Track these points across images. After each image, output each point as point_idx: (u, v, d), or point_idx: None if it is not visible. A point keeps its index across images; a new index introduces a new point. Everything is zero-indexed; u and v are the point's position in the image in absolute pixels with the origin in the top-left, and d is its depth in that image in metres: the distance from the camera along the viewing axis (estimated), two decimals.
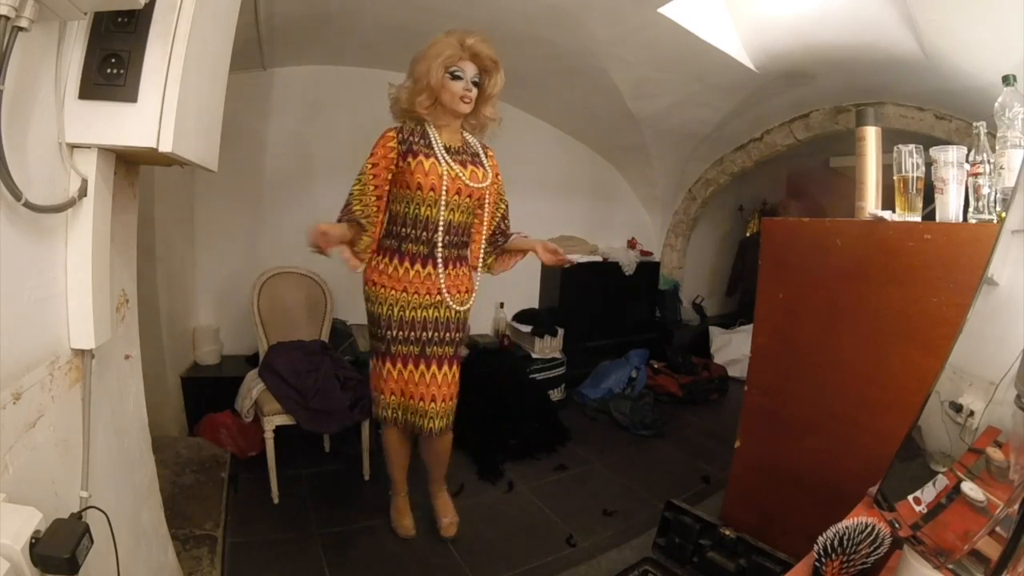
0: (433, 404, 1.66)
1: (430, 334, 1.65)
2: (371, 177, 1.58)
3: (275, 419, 1.95)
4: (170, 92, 0.80)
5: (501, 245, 1.76)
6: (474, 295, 1.73)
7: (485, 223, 1.73)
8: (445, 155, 1.59)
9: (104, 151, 0.83)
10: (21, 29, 0.61)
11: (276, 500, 1.97)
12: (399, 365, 1.65)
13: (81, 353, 0.84)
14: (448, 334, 1.67)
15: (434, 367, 1.66)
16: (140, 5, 0.73)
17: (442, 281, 1.61)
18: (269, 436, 1.95)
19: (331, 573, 1.64)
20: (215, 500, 1.80)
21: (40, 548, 0.61)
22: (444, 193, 1.57)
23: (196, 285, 2.70)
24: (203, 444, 2.18)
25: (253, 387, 2.03)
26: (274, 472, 1.98)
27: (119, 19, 0.77)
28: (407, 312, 1.62)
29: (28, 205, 0.66)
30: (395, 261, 1.62)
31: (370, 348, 1.74)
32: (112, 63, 0.77)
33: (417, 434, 1.73)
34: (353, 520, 1.91)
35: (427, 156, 1.57)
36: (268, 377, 2.01)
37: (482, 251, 1.74)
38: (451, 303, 1.64)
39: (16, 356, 0.68)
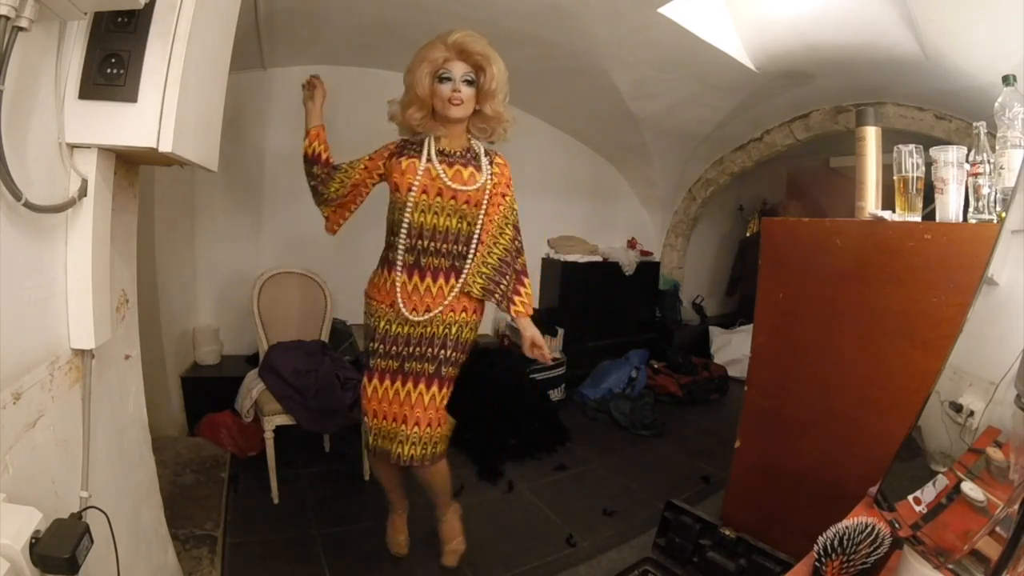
0: (405, 427, 1.50)
1: (411, 349, 1.52)
2: (360, 160, 1.60)
3: (275, 419, 1.95)
4: (170, 92, 0.80)
5: (500, 299, 1.55)
6: (473, 314, 1.57)
7: (477, 237, 1.54)
8: (434, 156, 1.49)
9: (104, 151, 0.83)
10: (21, 29, 0.61)
11: (276, 500, 1.97)
12: (375, 380, 1.54)
13: (81, 353, 0.84)
14: (432, 350, 1.52)
15: (409, 385, 1.52)
16: (140, 5, 0.73)
17: (398, 289, 1.50)
18: (269, 436, 1.95)
19: (331, 573, 1.64)
20: (215, 500, 1.80)
21: (40, 548, 0.61)
22: (413, 191, 1.46)
23: (196, 285, 2.70)
24: (203, 444, 2.18)
25: (253, 387, 2.03)
26: (274, 472, 1.98)
27: (119, 19, 0.77)
28: (392, 326, 1.53)
29: (28, 205, 0.66)
30: (383, 272, 1.56)
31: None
32: (112, 63, 0.77)
33: (392, 462, 1.53)
34: (353, 520, 1.91)
35: (410, 156, 1.50)
36: (268, 377, 2.01)
37: (470, 272, 1.54)
38: (410, 316, 1.50)
39: (16, 356, 0.68)
